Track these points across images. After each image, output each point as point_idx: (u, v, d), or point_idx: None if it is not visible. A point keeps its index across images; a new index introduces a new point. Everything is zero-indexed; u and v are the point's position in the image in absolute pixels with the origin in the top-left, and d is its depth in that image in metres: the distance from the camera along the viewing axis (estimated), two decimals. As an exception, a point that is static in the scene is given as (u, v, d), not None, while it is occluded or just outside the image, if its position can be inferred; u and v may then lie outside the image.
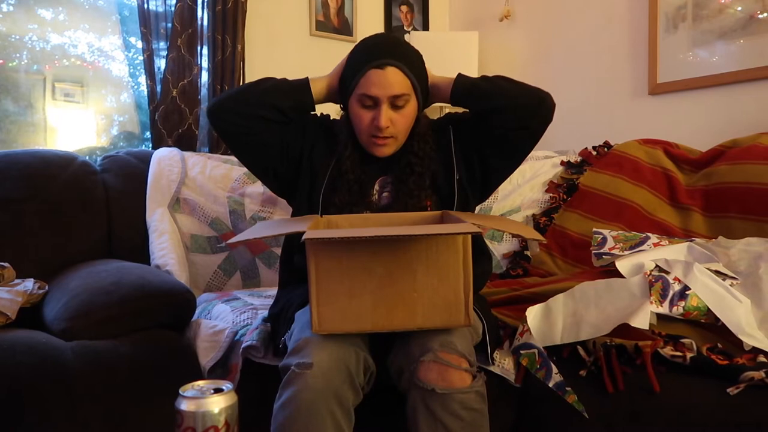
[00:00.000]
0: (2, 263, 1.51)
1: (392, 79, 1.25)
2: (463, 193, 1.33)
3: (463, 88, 1.31)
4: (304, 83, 1.32)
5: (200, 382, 0.75)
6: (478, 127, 1.32)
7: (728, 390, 1.07)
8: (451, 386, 1.06)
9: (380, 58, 1.25)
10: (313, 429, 1.02)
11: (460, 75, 1.33)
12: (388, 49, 1.27)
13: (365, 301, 1.07)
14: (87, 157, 2.01)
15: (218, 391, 0.73)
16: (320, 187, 1.31)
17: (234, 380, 1.33)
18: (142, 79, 2.32)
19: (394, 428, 1.14)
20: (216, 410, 0.71)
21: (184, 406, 0.71)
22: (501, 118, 1.27)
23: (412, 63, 1.29)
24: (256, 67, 2.55)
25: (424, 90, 1.33)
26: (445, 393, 1.05)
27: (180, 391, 0.72)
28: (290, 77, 1.35)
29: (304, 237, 1.02)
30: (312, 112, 1.39)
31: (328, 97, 1.36)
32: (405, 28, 3.00)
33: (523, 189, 2.06)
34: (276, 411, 1.07)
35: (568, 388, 1.22)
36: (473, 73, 2.64)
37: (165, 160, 2.01)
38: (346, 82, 1.31)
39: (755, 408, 1.03)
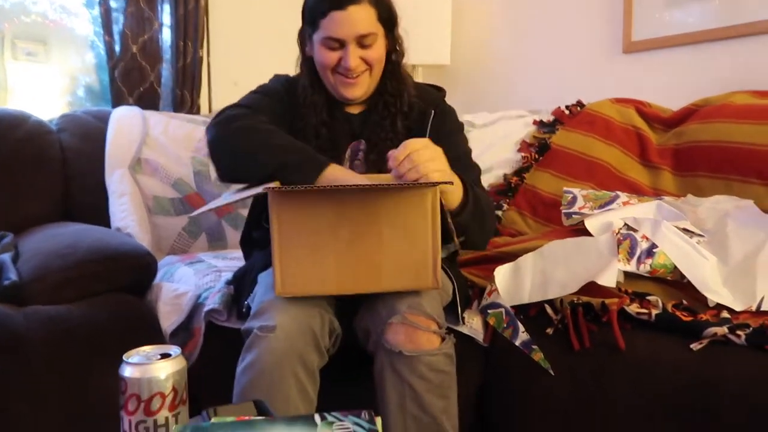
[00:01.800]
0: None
1: (356, 17, 1.20)
2: None
3: (465, 208, 1.17)
4: (319, 165, 1.13)
5: (147, 348, 0.71)
6: None
7: (691, 346, 1.07)
8: (419, 348, 1.05)
9: (340, 2, 1.19)
10: (276, 391, 1.01)
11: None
12: None
13: (330, 263, 1.04)
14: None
15: (165, 356, 0.69)
16: None
17: (197, 344, 1.30)
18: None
19: (361, 388, 1.13)
20: (162, 376, 0.67)
21: (129, 372, 0.67)
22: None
23: (373, 4, 1.23)
24: (221, 23, 2.45)
25: (392, 25, 1.27)
26: (412, 355, 1.04)
27: (124, 357, 0.69)
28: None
29: (265, 187, 0.98)
30: (270, 89, 1.31)
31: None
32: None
33: (496, 149, 2.03)
34: (239, 374, 1.05)
35: (534, 346, 1.21)
36: (446, 30, 2.57)
37: (125, 119, 1.93)
38: (306, 30, 1.26)
39: (717, 363, 1.04)
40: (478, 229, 1.21)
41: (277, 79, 1.35)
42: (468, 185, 1.17)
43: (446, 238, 1.13)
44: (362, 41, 1.22)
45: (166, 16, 2.28)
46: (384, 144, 1.25)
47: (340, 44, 1.21)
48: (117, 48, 2.20)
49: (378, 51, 1.25)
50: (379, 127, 1.27)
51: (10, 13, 2.18)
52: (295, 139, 1.20)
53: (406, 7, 1.32)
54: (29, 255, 1.36)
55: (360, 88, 1.25)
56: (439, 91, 1.38)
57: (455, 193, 1.14)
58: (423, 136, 1.24)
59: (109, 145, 1.85)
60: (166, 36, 2.30)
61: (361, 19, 1.20)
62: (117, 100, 2.20)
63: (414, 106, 1.30)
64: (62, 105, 2.32)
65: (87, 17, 2.33)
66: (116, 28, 2.20)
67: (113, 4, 2.19)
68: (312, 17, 1.24)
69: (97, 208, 1.78)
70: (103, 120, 1.93)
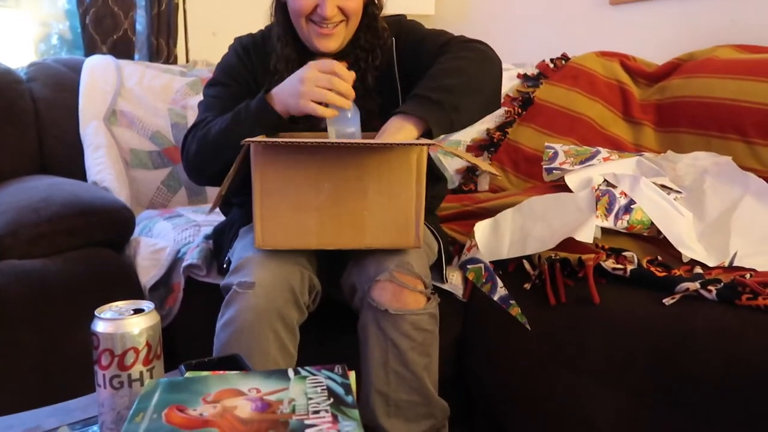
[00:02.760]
0: None
1: None
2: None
3: (444, 128, 1.13)
4: (263, 107, 1.11)
5: (119, 303, 0.71)
6: None
7: (664, 300, 1.09)
8: (405, 307, 1.06)
9: None
10: (255, 347, 1.01)
11: (429, 111, 1.09)
12: None
13: (311, 217, 1.03)
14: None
15: (138, 311, 0.69)
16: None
17: (176, 299, 1.30)
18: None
19: (343, 345, 1.14)
20: (136, 331, 0.67)
21: (101, 327, 0.67)
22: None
23: None
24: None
25: None
26: (398, 314, 1.05)
27: (96, 313, 0.68)
28: None
29: (246, 140, 0.96)
30: (236, 52, 1.27)
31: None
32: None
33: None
34: (218, 330, 1.05)
35: (512, 301, 1.23)
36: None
37: (98, 69, 1.87)
38: None
39: (689, 317, 1.06)
40: (472, 102, 1.15)
41: (237, 43, 1.30)
42: (420, 100, 1.10)
43: None
44: None
45: (139, -42, 2.19)
46: (356, 101, 1.22)
47: None
48: (87, -9, 2.10)
49: (352, 2, 1.18)
50: (355, 65, 1.22)
51: (-24, -46, 2.07)
52: (258, 87, 1.18)
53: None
54: (1, 209, 1.34)
55: (335, 40, 1.19)
56: (396, 17, 1.31)
57: (406, 130, 1.08)
58: (392, 72, 1.22)
59: (83, 96, 1.80)
60: (140, -23, 2.21)
61: None
62: (89, 49, 2.12)
63: (384, 48, 1.25)
64: (34, 53, 2.23)
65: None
66: (86, -31, 2.10)
67: (82, -55, 2.09)
68: None
69: (73, 161, 1.74)
70: (75, 69, 1.87)
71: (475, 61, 1.17)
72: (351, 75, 1.07)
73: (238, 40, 1.31)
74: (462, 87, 1.12)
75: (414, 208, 1.04)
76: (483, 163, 1.09)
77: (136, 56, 2.23)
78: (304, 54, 1.23)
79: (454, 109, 1.11)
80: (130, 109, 1.84)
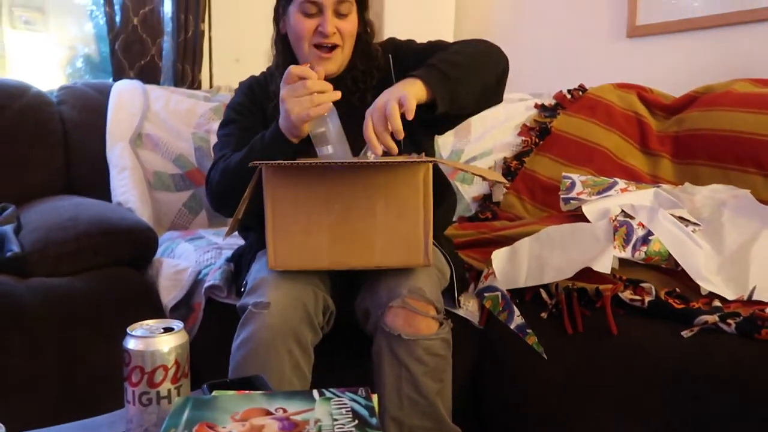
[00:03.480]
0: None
1: None
2: (412, 135, 1.19)
3: (446, 99, 1.11)
4: (276, 135, 1.14)
5: (150, 321, 0.73)
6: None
7: (682, 333, 1.09)
8: (418, 333, 1.07)
9: None
10: (270, 366, 1.03)
11: (436, 83, 1.10)
12: None
13: (322, 238, 1.06)
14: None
15: (168, 330, 0.71)
16: None
17: (196, 319, 1.32)
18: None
19: (358, 368, 1.15)
20: (166, 349, 0.69)
21: (132, 344, 0.69)
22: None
23: None
24: (225, 8, 2.42)
25: (365, 4, 1.27)
26: (410, 339, 1.06)
27: (128, 330, 0.70)
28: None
29: (257, 162, 1.00)
30: (242, 91, 1.33)
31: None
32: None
33: (496, 132, 2.03)
34: (234, 350, 1.07)
35: (528, 330, 1.23)
36: (450, 5, 2.55)
37: (126, 92, 1.93)
38: (281, 5, 1.25)
39: (707, 350, 1.06)
40: (475, 82, 1.16)
41: (241, 85, 1.37)
42: (428, 68, 1.12)
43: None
44: (339, 9, 1.20)
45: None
46: (352, 120, 1.24)
47: (318, 9, 1.20)
48: (117, 19, 2.17)
49: (352, 23, 1.24)
50: (347, 104, 1.24)
51: (7, -21, 2.16)
52: (269, 121, 1.21)
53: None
54: (31, 227, 1.37)
55: (334, 62, 1.24)
56: (389, 40, 1.37)
57: (416, 86, 1.08)
58: (390, 84, 1.23)
59: (110, 119, 1.85)
60: (167, 8, 2.28)
61: None
62: (118, 73, 2.19)
63: (380, 68, 1.29)
64: (61, 75, 2.30)
65: (85, -15, 2.31)
66: (117, -1, 2.17)
67: (113, -28, 2.17)
68: None
69: (98, 181, 1.78)
70: (103, 93, 1.93)
71: (483, 50, 1.23)
72: (318, 73, 1.10)
73: (241, 83, 1.37)
74: (467, 65, 1.16)
75: (422, 226, 1.06)
76: (490, 173, 1.11)
77: (162, 81, 2.29)
78: None
79: (457, 82, 1.12)
80: (155, 132, 1.88)
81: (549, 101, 2.06)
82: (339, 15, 1.21)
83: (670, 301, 1.16)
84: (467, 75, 1.15)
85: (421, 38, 2.36)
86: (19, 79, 2.07)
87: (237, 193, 1.13)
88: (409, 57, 1.26)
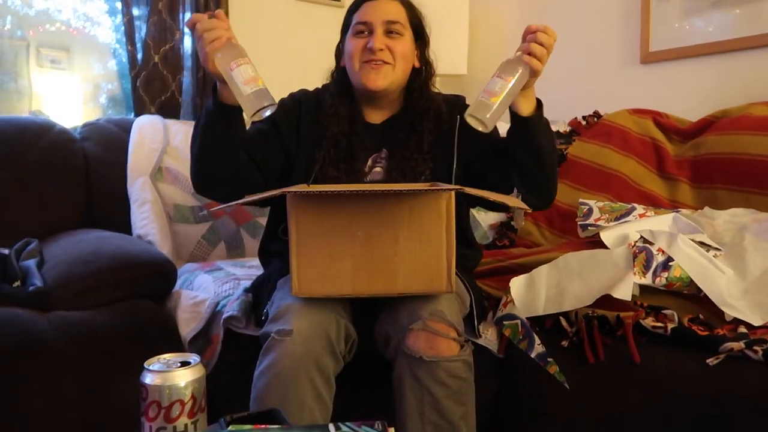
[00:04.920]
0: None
1: (385, 7, 1.27)
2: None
3: (539, 120, 1.18)
4: (215, 102, 1.16)
5: (167, 355, 0.73)
6: (493, 163, 1.25)
7: (707, 360, 1.07)
8: (439, 354, 1.06)
9: None
10: (291, 396, 1.02)
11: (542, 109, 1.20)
12: None
13: (346, 265, 1.06)
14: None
15: (185, 364, 0.71)
16: (311, 165, 1.27)
17: (215, 351, 1.32)
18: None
19: (378, 397, 1.14)
20: (182, 384, 0.69)
21: (149, 379, 0.69)
22: (522, 176, 1.21)
23: (407, 2, 1.31)
24: (240, 33, 2.46)
25: (420, 32, 1.32)
26: (432, 361, 1.05)
27: (145, 365, 0.71)
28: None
29: (281, 191, 1.01)
30: (290, 96, 1.34)
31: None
32: (394, -7, 2.92)
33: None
34: (256, 377, 1.07)
35: (549, 359, 1.22)
36: (464, 37, 2.58)
37: (147, 128, 1.97)
38: (344, 27, 1.32)
39: (733, 378, 1.03)
40: (547, 148, 1.20)
41: (291, 95, 1.38)
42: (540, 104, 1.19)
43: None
44: (389, 27, 1.26)
45: (187, 18, 2.31)
46: (408, 162, 1.27)
47: (369, 30, 1.26)
48: (139, 57, 2.24)
49: (403, 45, 1.28)
50: (404, 146, 1.29)
51: (36, 21, 2.23)
52: (313, 146, 1.26)
53: (424, 11, 1.35)
54: (54, 262, 1.40)
55: (383, 77, 1.26)
56: (458, 97, 1.40)
57: (530, 100, 1.16)
58: (452, 144, 1.27)
59: (131, 154, 1.89)
60: (187, 44, 2.34)
61: (390, 9, 1.28)
62: (139, 109, 2.24)
63: (442, 118, 1.32)
64: (85, 112, 2.36)
65: (109, 25, 2.38)
66: (138, 37, 2.24)
67: (135, 12, 2.23)
68: (347, 21, 1.31)
69: (120, 215, 1.82)
70: (125, 129, 1.97)
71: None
72: (219, 15, 1.12)
73: (291, 93, 1.39)
74: (551, 134, 1.23)
75: (445, 253, 1.06)
76: (511, 199, 1.11)
77: (182, 116, 2.34)
78: (355, 112, 1.31)
79: (549, 129, 1.21)
80: (175, 166, 1.92)
81: (564, 128, 2.07)
82: (390, 34, 1.26)
83: (694, 328, 1.14)
84: (551, 138, 1.22)
85: (437, 69, 2.40)
86: (46, 115, 2.14)
87: (202, 163, 1.19)
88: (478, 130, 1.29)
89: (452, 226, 1.06)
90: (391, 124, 1.33)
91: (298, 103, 1.34)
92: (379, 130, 1.33)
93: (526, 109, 1.15)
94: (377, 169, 1.31)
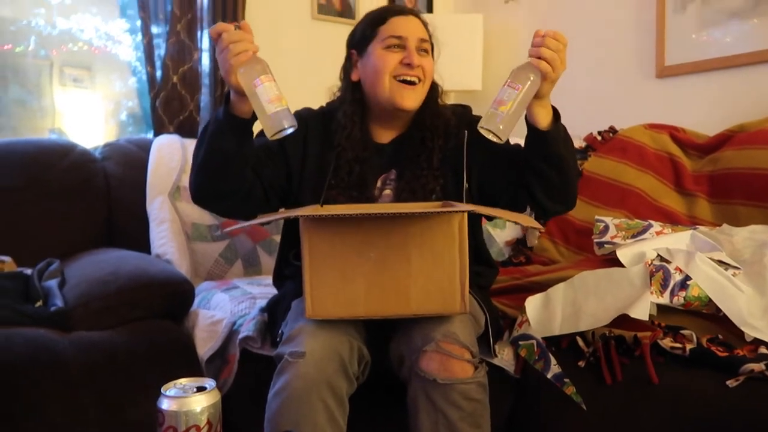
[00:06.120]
0: (2, 257, 1.51)
1: (416, 24, 1.28)
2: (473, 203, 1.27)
3: (558, 132, 1.15)
4: (226, 113, 1.13)
5: (183, 380, 0.75)
6: (508, 173, 1.23)
7: (727, 382, 1.05)
8: (453, 376, 1.06)
9: (401, 9, 1.29)
10: (304, 417, 1.03)
11: (559, 118, 1.17)
12: (404, 7, 1.28)
13: (359, 286, 1.06)
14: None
15: (201, 389, 0.72)
16: (321, 188, 1.25)
17: (231, 371, 1.33)
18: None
19: (392, 418, 1.14)
20: (198, 409, 0.70)
21: (166, 405, 0.70)
22: (542, 185, 1.18)
23: (425, 21, 1.31)
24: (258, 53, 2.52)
25: (433, 51, 1.31)
26: (446, 383, 1.05)
27: (162, 390, 0.72)
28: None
29: (295, 214, 1.02)
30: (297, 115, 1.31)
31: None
32: (409, 10, 2.95)
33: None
34: (269, 399, 1.07)
35: (566, 380, 1.21)
36: (478, 56, 2.60)
37: (165, 147, 2.00)
38: (363, 40, 1.28)
39: (754, 400, 1.02)
40: (567, 158, 1.17)
41: (299, 111, 1.35)
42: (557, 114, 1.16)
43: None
44: (421, 45, 1.26)
45: (205, 41, 2.35)
46: (418, 180, 1.26)
47: (402, 44, 1.24)
48: (158, 76, 2.28)
49: (431, 64, 1.28)
50: (414, 163, 1.28)
51: (59, 41, 2.29)
52: (326, 170, 1.24)
53: (440, 34, 1.35)
54: (74, 282, 1.42)
55: (418, 96, 1.26)
56: (464, 108, 1.38)
57: (546, 110, 1.13)
58: (460, 157, 1.25)
59: (150, 174, 1.92)
60: (206, 63, 2.37)
61: (420, 26, 1.28)
62: (158, 128, 2.28)
63: (450, 133, 1.30)
64: (106, 129, 2.41)
65: (129, 43, 2.43)
66: (157, 55, 2.27)
67: (155, 30, 2.27)
68: (368, 31, 1.28)
69: (139, 234, 1.85)
70: (144, 149, 2.01)
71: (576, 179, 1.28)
72: (244, 27, 1.09)
73: (297, 111, 1.36)
74: (570, 144, 1.20)
75: (458, 274, 1.06)
76: (524, 218, 1.10)
77: (200, 134, 2.37)
78: (367, 135, 1.30)
79: (568, 138, 1.18)
80: (193, 185, 1.95)
81: (579, 143, 2.06)
82: (420, 51, 1.26)
83: (713, 348, 1.13)
84: (570, 148, 1.20)
85: (451, 84, 2.40)
86: (66, 134, 2.18)
87: (204, 173, 1.17)
88: (486, 143, 1.25)
89: (465, 246, 1.06)
90: (400, 144, 1.32)
91: (304, 122, 1.31)
92: (388, 151, 1.32)
93: (543, 120, 1.13)
94: (387, 191, 1.30)
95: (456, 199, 1.27)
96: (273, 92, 1.03)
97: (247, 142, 1.17)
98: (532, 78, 1.05)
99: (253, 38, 1.08)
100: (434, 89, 1.32)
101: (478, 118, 1.32)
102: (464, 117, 1.33)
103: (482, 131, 1.06)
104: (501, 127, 1.04)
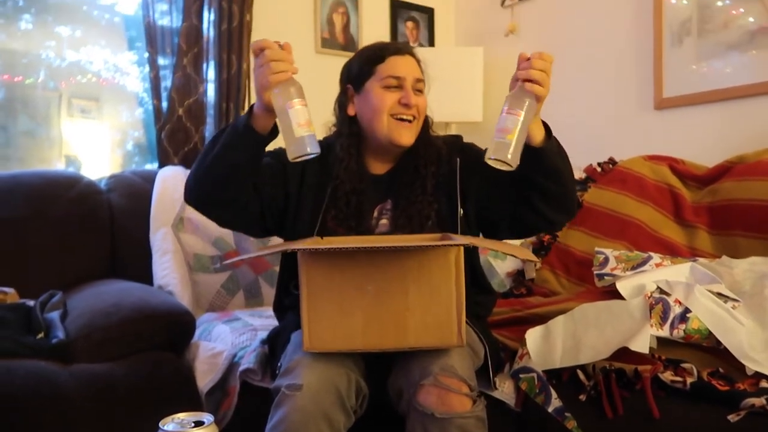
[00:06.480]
0: (5, 288, 1.53)
1: (413, 64, 1.31)
2: (468, 232, 1.30)
3: (552, 145, 1.17)
4: (246, 126, 1.15)
5: (181, 415, 0.75)
6: (506, 193, 1.24)
7: (729, 417, 1.04)
8: (451, 410, 1.05)
9: (398, 48, 1.32)
10: None
11: (550, 132, 1.20)
12: (400, 44, 1.34)
13: (356, 319, 1.07)
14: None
15: (199, 424, 0.72)
16: (317, 218, 1.27)
17: (231, 403, 1.33)
18: (154, 96, 2.34)
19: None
20: (196, 444, 0.70)
21: (164, 440, 0.71)
22: (543, 198, 1.20)
23: (419, 60, 1.34)
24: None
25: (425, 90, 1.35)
26: (444, 417, 1.04)
27: (160, 425, 0.72)
28: None
29: (294, 247, 1.03)
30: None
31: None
32: (411, 43, 3.01)
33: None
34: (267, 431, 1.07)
35: (567, 414, 1.20)
36: (479, 88, 2.64)
37: (169, 179, 2.03)
38: (360, 76, 1.31)
39: (756, 436, 1.01)
40: (564, 168, 1.19)
41: None
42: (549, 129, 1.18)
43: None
44: (417, 86, 1.30)
45: (211, 74, 2.39)
46: (413, 206, 1.29)
47: (399, 84, 1.28)
48: (164, 107, 2.31)
49: (425, 102, 1.32)
50: (409, 190, 1.31)
51: (68, 72, 2.33)
52: (324, 201, 1.26)
53: (442, 67, 1.38)
54: (76, 313, 1.43)
55: (413, 133, 1.30)
56: (455, 137, 1.42)
57: (539, 126, 1.15)
58: (454, 185, 1.29)
59: (154, 205, 1.94)
60: (211, 95, 2.41)
61: (416, 65, 1.32)
62: (163, 159, 2.31)
63: (442, 160, 1.33)
64: (112, 158, 2.44)
65: (137, 75, 2.48)
66: (164, 87, 2.31)
67: (161, 62, 2.31)
68: (366, 68, 1.31)
69: (142, 264, 1.86)
70: (149, 180, 2.03)
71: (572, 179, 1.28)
72: (285, 46, 1.11)
73: None
74: (565, 157, 1.22)
75: (455, 307, 1.06)
76: (521, 250, 1.11)
77: (204, 166, 2.40)
78: (363, 167, 1.33)
79: (561, 150, 1.20)
80: (196, 216, 1.96)
81: (579, 174, 2.07)
82: (416, 91, 1.30)
83: (714, 382, 1.12)
84: (566, 161, 1.22)
85: (453, 116, 2.42)
86: (76, 162, 2.21)
87: (207, 176, 1.18)
88: (476, 161, 1.29)
89: (462, 279, 1.07)
90: (394, 174, 1.34)
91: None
92: (383, 182, 1.35)
93: (537, 136, 1.15)
94: (383, 221, 1.32)
95: (452, 223, 1.28)
96: (304, 116, 1.06)
97: (258, 159, 1.20)
98: (528, 102, 1.07)
99: (293, 60, 1.10)
100: (425, 121, 1.36)
101: (469, 145, 1.37)
102: (455, 144, 1.37)
103: (491, 162, 1.07)
104: (509, 156, 1.06)
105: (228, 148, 1.16)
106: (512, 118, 1.06)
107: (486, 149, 1.09)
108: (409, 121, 1.29)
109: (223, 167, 1.17)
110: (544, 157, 1.16)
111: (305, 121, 1.05)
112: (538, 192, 1.19)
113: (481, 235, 1.35)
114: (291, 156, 1.07)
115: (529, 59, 1.10)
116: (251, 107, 1.16)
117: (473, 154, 1.34)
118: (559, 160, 1.19)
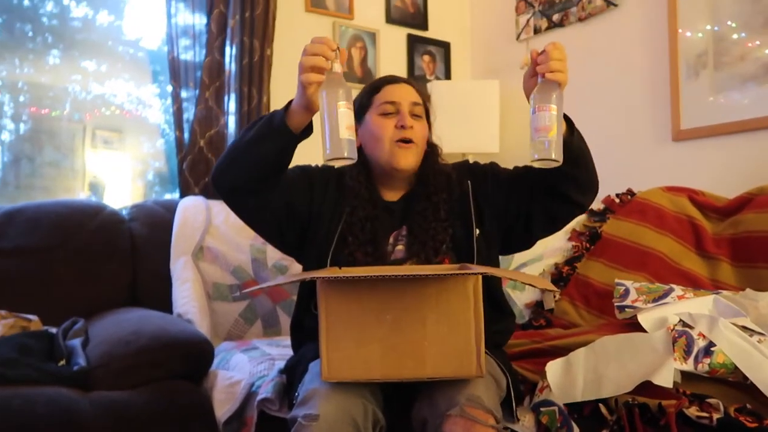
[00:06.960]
0: (28, 315, 1.55)
1: (409, 89, 1.34)
2: (485, 251, 1.31)
3: (574, 133, 1.21)
4: (281, 120, 1.17)
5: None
6: (536, 188, 1.28)
7: (758, 455, 1.02)
8: None
9: (395, 78, 1.36)
10: None
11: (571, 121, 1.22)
12: (397, 76, 1.38)
13: (374, 349, 1.07)
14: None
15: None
16: (331, 243, 1.29)
17: (248, 434, 1.32)
18: (176, 128, 2.39)
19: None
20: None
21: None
22: (575, 185, 1.25)
23: (420, 89, 1.37)
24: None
25: (428, 115, 1.38)
26: None
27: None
28: (316, 125, 1.28)
29: (312, 276, 1.04)
30: (321, 166, 1.37)
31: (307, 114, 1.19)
32: (427, 77, 3.05)
33: (546, 237, 2.03)
34: None
35: (589, 449, 1.17)
36: (495, 120, 2.66)
37: (190, 208, 2.06)
38: (361, 109, 1.35)
39: (787, 475, 0.98)
40: (587, 150, 1.23)
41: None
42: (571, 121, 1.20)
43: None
44: (414, 110, 1.33)
45: (232, 106, 2.44)
46: (427, 233, 1.30)
47: (396, 109, 1.31)
48: (186, 139, 2.36)
49: (423, 126, 1.35)
50: (422, 217, 1.32)
51: (92, 105, 2.40)
52: (339, 227, 1.28)
53: (457, 96, 1.41)
54: (97, 341, 1.44)
55: (413, 156, 1.32)
56: (463, 162, 1.44)
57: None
58: (467, 211, 1.31)
59: (175, 235, 1.97)
60: (231, 127, 2.45)
61: (412, 91, 1.35)
62: (184, 189, 2.35)
63: (453, 185, 1.36)
64: (134, 188, 2.49)
65: (159, 107, 2.55)
66: (185, 119, 2.36)
67: (184, 95, 2.37)
68: (365, 100, 1.36)
69: (162, 293, 1.88)
70: (170, 210, 2.07)
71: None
72: (343, 52, 1.13)
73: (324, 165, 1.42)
74: (586, 147, 1.26)
75: (474, 336, 1.06)
76: (540, 280, 1.11)
77: (224, 196, 2.43)
78: (375, 194, 1.35)
79: (582, 141, 1.23)
80: (216, 245, 1.99)
81: (597, 206, 2.07)
82: (413, 116, 1.32)
83: (741, 418, 1.09)
84: (587, 150, 1.26)
85: (470, 147, 2.44)
86: (99, 191, 2.26)
87: (235, 167, 1.20)
88: (488, 183, 1.35)
89: (480, 308, 1.07)
90: (407, 201, 1.36)
91: (327, 174, 1.38)
92: (397, 208, 1.36)
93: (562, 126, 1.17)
94: (399, 247, 1.33)
95: (467, 245, 1.29)
96: (351, 120, 1.07)
97: (287, 154, 1.21)
98: (555, 93, 1.09)
99: (333, 56, 1.11)
100: (434, 149, 1.39)
101: (475, 165, 1.39)
102: (463, 168, 1.40)
103: (537, 164, 1.09)
104: (554, 154, 1.08)
105: (260, 137, 1.18)
106: (546, 114, 1.08)
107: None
108: (409, 142, 1.30)
109: (252, 155, 1.19)
110: (573, 148, 1.18)
111: (352, 124, 1.07)
112: (571, 182, 1.23)
113: (504, 249, 1.38)
114: (330, 156, 1.07)
115: (542, 52, 1.13)
116: (289, 102, 1.18)
117: (481, 172, 1.38)
118: (583, 144, 1.23)
